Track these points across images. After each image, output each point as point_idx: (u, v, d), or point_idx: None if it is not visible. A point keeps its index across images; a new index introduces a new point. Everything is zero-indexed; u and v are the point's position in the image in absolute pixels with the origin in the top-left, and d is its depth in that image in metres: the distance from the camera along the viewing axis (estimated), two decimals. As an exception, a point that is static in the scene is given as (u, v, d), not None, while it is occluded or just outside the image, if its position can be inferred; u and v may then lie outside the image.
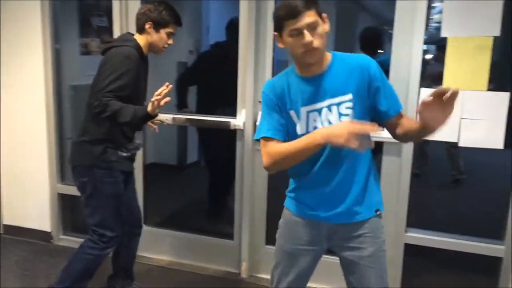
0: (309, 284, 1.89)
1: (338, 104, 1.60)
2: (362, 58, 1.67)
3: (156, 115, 2.16)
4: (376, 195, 1.74)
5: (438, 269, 2.90)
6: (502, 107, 2.40)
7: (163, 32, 2.33)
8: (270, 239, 2.98)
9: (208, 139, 3.73)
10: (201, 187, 4.00)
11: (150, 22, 2.30)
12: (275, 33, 1.62)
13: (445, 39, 2.43)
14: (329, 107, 1.61)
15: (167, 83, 2.11)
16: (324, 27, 1.58)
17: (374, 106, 1.64)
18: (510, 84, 2.50)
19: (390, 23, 2.58)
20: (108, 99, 2.13)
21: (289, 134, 1.67)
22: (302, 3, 1.52)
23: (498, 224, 2.55)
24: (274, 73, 2.85)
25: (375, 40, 3.13)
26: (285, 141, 1.66)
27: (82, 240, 2.41)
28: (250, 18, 2.75)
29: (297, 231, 1.77)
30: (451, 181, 4.21)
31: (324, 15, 1.58)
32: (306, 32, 1.53)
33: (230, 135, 3.56)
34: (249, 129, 2.85)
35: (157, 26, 2.31)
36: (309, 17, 1.52)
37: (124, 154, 2.36)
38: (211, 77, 3.49)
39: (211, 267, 3.11)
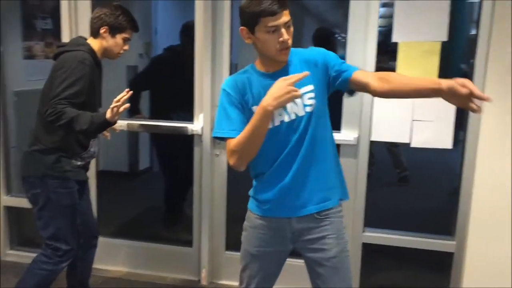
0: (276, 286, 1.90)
1: (301, 96, 1.62)
2: (316, 50, 1.74)
3: (115, 122, 2.09)
4: (338, 186, 1.78)
5: (395, 267, 2.99)
6: (450, 108, 2.49)
7: (119, 37, 2.26)
8: (231, 245, 2.97)
9: (162, 144, 3.66)
10: (155, 194, 3.92)
11: (105, 27, 2.22)
12: (244, 27, 1.62)
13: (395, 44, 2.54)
14: (294, 100, 1.62)
15: (127, 89, 2.05)
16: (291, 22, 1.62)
17: (339, 75, 1.69)
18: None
19: (335, 26, 2.65)
20: (63, 106, 2.04)
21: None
22: (281, 2, 1.56)
23: (449, 220, 2.68)
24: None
25: (328, 40, 3.22)
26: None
27: (32, 254, 2.30)
28: (206, 20, 2.72)
29: (261, 233, 1.78)
30: (398, 180, 4.36)
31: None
32: (284, 30, 1.57)
33: (185, 140, 3.52)
34: (207, 134, 2.82)
35: (113, 31, 2.24)
36: (285, 16, 1.57)
37: (79, 163, 2.27)
38: (165, 82, 3.43)
39: (170, 275, 3.05)
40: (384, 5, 2.63)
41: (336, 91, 1.75)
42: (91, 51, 2.23)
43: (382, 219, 2.91)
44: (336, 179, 1.77)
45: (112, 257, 3.11)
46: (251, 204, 1.82)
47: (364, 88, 1.67)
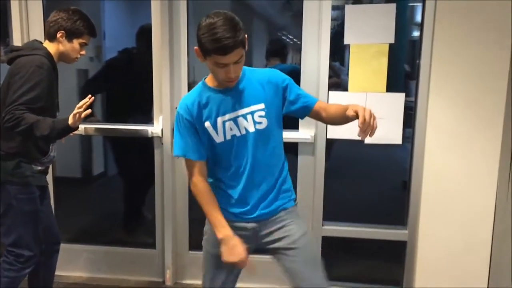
0: (241, 285, 1.97)
1: (252, 113, 1.73)
2: (271, 72, 1.82)
3: (77, 128, 2.09)
4: (289, 186, 1.89)
5: (354, 258, 3.13)
6: (399, 106, 2.69)
7: (76, 42, 2.26)
8: (194, 245, 3.01)
9: (119, 148, 3.63)
10: (112, 199, 3.87)
11: (62, 31, 2.21)
12: (197, 48, 1.65)
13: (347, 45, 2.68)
14: (244, 116, 1.73)
15: (89, 95, 2.06)
16: (244, 53, 1.65)
17: (295, 106, 1.81)
18: (403, 86, 2.81)
19: (283, 29, 2.75)
20: (22, 112, 2.02)
21: (207, 144, 1.77)
22: (233, 42, 1.56)
23: (401, 211, 2.85)
24: (189, 78, 2.89)
25: (281, 51, 3.34)
26: (207, 158, 1.79)
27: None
28: (163, 22, 2.76)
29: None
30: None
31: (246, 37, 1.64)
32: (231, 67, 1.62)
33: (143, 143, 3.52)
34: (168, 136, 2.86)
35: (70, 36, 2.23)
36: (236, 54, 1.59)
37: (39, 168, 2.24)
38: (121, 85, 3.42)
39: (134, 278, 3.06)
40: (334, 8, 2.76)
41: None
42: (48, 55, 2.21)
43: (340, 213, 3.03)
44: (287, 185, 1.88)
45: (72, 263, 3.08)
46: None
47: (318, 117, 1.85)
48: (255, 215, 1.81)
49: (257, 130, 1.74)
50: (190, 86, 2.88)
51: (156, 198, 3.00)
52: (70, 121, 2.03)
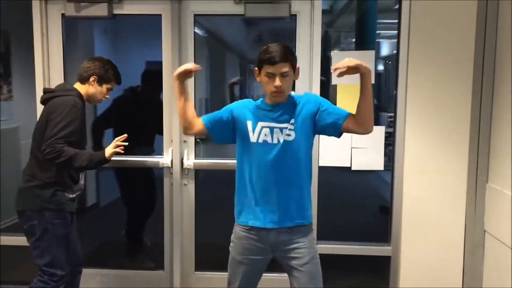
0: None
1: (285, 128, 2.10)
2: (307, 96, 2.19)
3: (109, 160, 2.43)
4: (309, 210, 2.22)
5: (344, 274, 3.46)
6: (380, 137, 3.10)
7: (104, 87, 2.62)
8: (199, 266, 3.31)
9: (126, 178, 3.90)
10: (107, 227, 4.12)
11: (95, 76, 2.56)
12: (256, 68, 2.09)
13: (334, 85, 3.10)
14: (280, 129, 2.11)
15: (125, 134, 2.42)
16: (294, 76, 2.09)
17: (327, 124, 2.13)
18: (384, 120, 3.24)
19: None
20: (61, 146, 2.33)
21: (243, 139, 2.16)
22: (281, 55, 2.00)
23: (384, 230, 3.22)
24: (197, 111, 3.23)
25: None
26: (208, 127, 2.21)
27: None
28: (174, 61, 3.11)
29: (246, 243, 2.18)
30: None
31: (297, 67, 2.10)
32: (278, 77, 2.03)
33: (147, 173, 3.84)
34: (177, 166, 3.18)
35: (101, 81, 2.59)
36: (283, 67, 2.02)
37: (71, 196, 2.54)
38: (127, 120, 3.74)
39: (143, 298, 3.31)
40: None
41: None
42: (79, 96, 2.55)
43: (330, 233, 3.38)
44: (308, 202, 2.20)
45: (85, 285, 3.30)
46: (237, 219, 2.22)
47: (352, 130, 2.15)
48: (274, 225, 2.13)
49: (285, 141, 2.09)
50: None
51: (165, 223, 3.29)
52: (108, 154, 2.36)
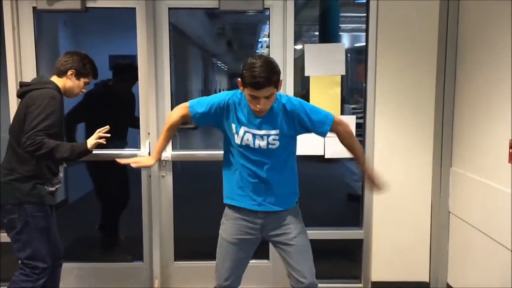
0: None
1: (268, 136, 2.19)
2: (292, 104, 2.19)
3: (91, 151, 2.45)
4: (296, 193, 2.35)
5: (317, 259, 3.58)
6: (351, 127, 3.23)
7: (82, 81, 2.63)
8: (178, 256, 3.37)
9: (98, 171, 3.89)
10: (79, 223, 4.12)
11: (73, 70, 2.57)
12: (239, 80, 2.09)
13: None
14: (261, 136, 2.18)
15: (107, 126, 2.45)
16: (276, 92, 2.10)
17: (313, 131, 2.27)
18: (348, 111, 3.38)
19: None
20: (42, 138, 2.33)
21: (228, 140, 2.24)
22: (265, 80, 1.99)
23: (357, 215, 3.37)
24: (172, 104, 3.28)
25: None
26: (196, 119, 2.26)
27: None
28: (150, 55, 3.15)
29: (237, 223, 2.28)
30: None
31: (280, 80, 2.09)
32: (262, 100, 2.05)
33: (120, 167, 3.83)
34: (155, 158, 3.21)
35: (79, 75, 2.60)
36: (267, 91, 2.03)
37: (51, 189, 2.54)
38: (100, 114, 3.73)
39: (122, 290, 3.34)
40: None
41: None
42: (57, 88, 2.55)
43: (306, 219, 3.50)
44: (294, 187, 2.34)
45: (63, 280, 3.28)
46: (228, 202, 2.31)
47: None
48: (263, 208, 2.24)
49: (269, 148, 2.19)
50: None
51: (143, 215, 3.32)
52: (90, 145, 2.37)
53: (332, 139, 3.13)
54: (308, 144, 3.21)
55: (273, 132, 2.18)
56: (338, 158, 3.30)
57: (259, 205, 2.24)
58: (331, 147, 3.22)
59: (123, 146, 3.43)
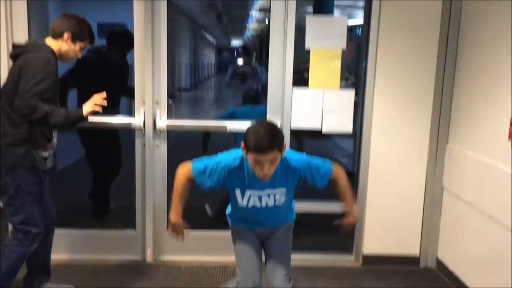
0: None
1: (275, 194, 2.19)
2: (296, 163, 2.17)
3: (87, 119, 2.39)
4: (291, 214, 2.41)
5: (310, 232, 3.62)
6: (350, 101, 3.22)
7: (78, 45, 2.54)
8: (171, 224, 3.34)
9: (90, 139, 3.83)
10: (67, 191, 4.08)
11: (69, 33, 2.48)
12: (243, 146, 2.04)
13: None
14: (268, 195, 2.18)
15: (104, 92, 2.39)
16: (280, 157, 2.04)
17: (311, 184, 2.23)
18: (353, 84, 3.35)
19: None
20: (36, 102, 2.26)
21: (232, 201, 2.27)
22: (268, 145, 1.95)
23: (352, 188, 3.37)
24: (169, 74, 3.22)
25: (256, 97, 4.01)
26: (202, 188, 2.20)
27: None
28: (147, 22, 3.06)
29: (242, 229, 2.34)
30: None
31: (284, 144, 2.05)
32: (266, 165, 1.99)
33: (112, 134, 3.79)
34: (150, 127, 3.16)
35: (75, 38, 2.51)
36: (271, 155, 1.98)
37: (44, 154, 2.49)
38: (92, 81, 3.65)
39: (114, 258, 3.31)
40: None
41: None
42: (52, 52, 2.46)
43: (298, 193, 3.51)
44: (292, 209, 2.40)
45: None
46: (231, 223, 2.40)
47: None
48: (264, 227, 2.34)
49: (275, 205, 2.21)
50: (169, 81, 3.22)
51: (136, 183, 3.28)
52: (85, 112, 2.31)
53: (329, 114, 3.20)
54: (305, 118, 3.20)
55: (281, 189, 2.18)
56: (327, 134, 3.29)
57: (258, 227, 2.33)
58: (329, 122, 3.20)
59: (115, 114, 3.36)
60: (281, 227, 2.34)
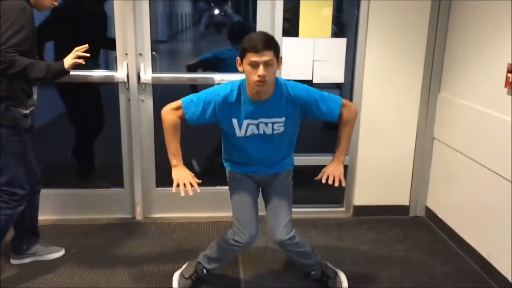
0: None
1: (273, 123, 2.10)
2: (298, 91, 2.10)
3: (69, 72, 2.24)
4: (292, 158, 2.36)
5: (301, 185, 3.58)
6: (341, 50, 3.11)
7: None
8: (160, 182, 3.28)
9: (70, 94, 3.66)
10: (51, 149, 3.92)
11: None
12: (238, 57, 1.98)
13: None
14: (266, 123, 2.10)
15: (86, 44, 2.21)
16: (277, 66, 1.99)
17: (319, 117, 2.16)
18: (345, 32, 3.23)
19: None
20: (13, 55, 2.11)
21: (227, 133, 2.17)
22: (264, 43, 1.91)
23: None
24: (152, 26, 3.05)
25: (242, 33, 3.66)
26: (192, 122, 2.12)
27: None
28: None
29: (240, 175, 2.29)
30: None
31: (280, 57, 2.00)
32: (262, 66, 1.92)
33: (94, 89, 3.61)
34: (134, 81, 3.02)
35: None
36: (267, 55, 1.91)
37: (25, 111, 2.35)
38: (69, 32, 3.44)
39: (103, 216, 3.25)
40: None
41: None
42: (27, 0, 2.27)
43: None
44: (292, 153, 2.34)
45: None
46: (227, 167, 2.33)
47: None
48: (263, 172, 2.28)
49: (273, 134, 2.13)
50: (152, 33, 3.05)
51: (122, 140, 3.17)
52: (67, 65, 2.16)
53: (320, 63, 3.10)
54: (296, 68, 3.09)
55: (278, 119, 2.11)
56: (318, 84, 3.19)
57: (255, 172, 2.27)
58: (320, 72, 3.11)
59: (95, 67, 3.18)
60: (280, 174, 2.29)
